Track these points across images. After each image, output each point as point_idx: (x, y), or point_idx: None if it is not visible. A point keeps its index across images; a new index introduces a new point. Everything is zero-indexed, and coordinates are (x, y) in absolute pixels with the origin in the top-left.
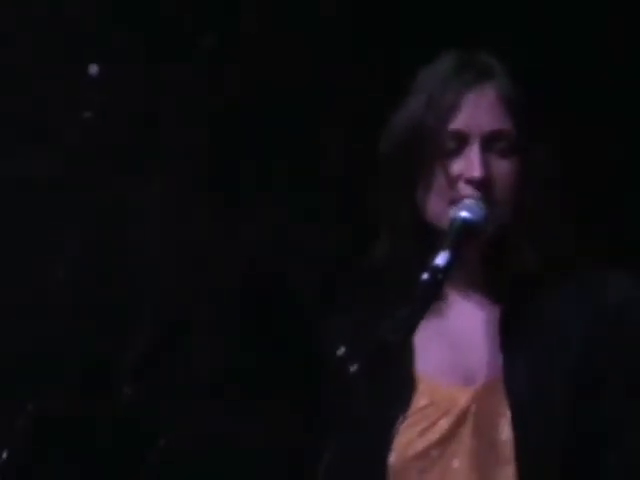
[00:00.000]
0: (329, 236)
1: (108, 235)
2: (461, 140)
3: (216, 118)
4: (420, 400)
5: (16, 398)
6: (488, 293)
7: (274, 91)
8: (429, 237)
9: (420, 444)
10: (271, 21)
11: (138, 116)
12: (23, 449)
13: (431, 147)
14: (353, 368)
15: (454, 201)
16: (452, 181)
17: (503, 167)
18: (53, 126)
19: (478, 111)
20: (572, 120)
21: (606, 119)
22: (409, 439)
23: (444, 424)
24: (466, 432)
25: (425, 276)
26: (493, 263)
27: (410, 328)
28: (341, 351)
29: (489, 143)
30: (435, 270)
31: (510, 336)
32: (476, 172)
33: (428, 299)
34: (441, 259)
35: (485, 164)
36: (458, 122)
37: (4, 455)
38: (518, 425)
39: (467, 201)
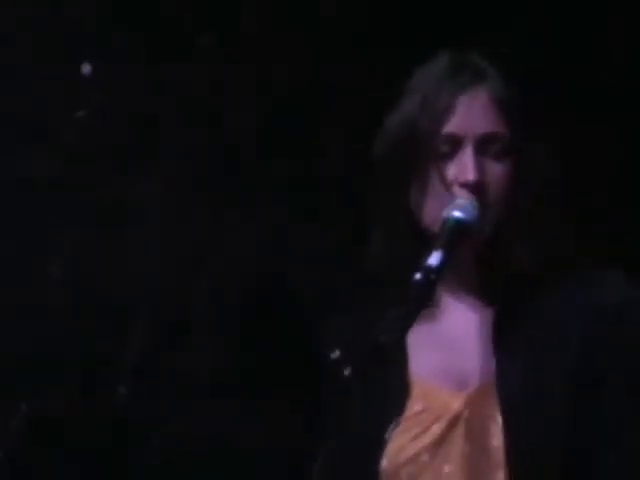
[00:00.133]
0: (329, 236)
1: (108, 235)
2: (455, 143)
3: (216, 118)
4: (414, 405)
5: (16, 398)
6: (482, 295)
7: (274, 91)
8: (425, 239)
9: (412, 449)
10: (271, 21)
11: (138, 116)
12: (22, 449)
13: (425, 150)
14: (347, 371)
15: (449, 204)
16: (447, 184)
17: (497, 170)
18: (53, 126)
19: (471, 114)
20: (572, 120)
21: (606, 119)
22: (401, 444)
23: (436, 429)
24: (458, 437)
25: (418, 276)
26: (487, 264)
27: (403, 329)
28: (336, 354)
29: (483, 146)
30: (428, 270)
31: (504, 339)
32: (470, 176)
33: (421, 299)
34: (434, 259)
35: (479, 167)
36: (452, 125)
37: (2, 455)
38: (510, 430)
39: (460, 201)
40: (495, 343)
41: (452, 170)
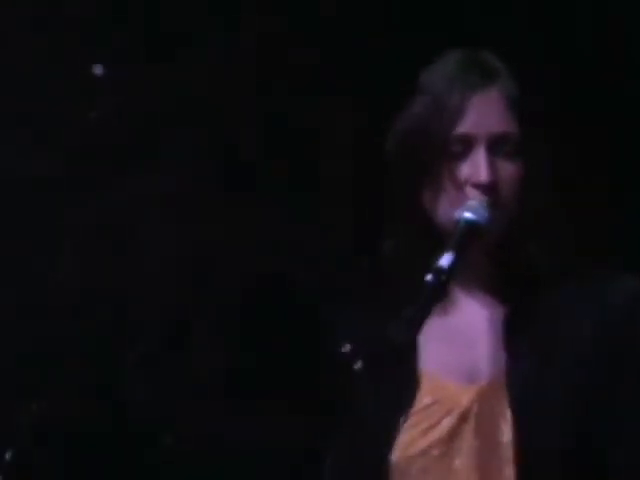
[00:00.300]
0: (329, 236)
1: (108, 235)
2: (467, 143)
3: (216, 118)
4: (424, 399)
5: (16, 398)
6: (494, 292)
7: (274, 91)
8: (438, 238)
9: (422, 443)
10: (271, 21)
11: (138, 116)
12: (23, 449)
13: (437, 151)
14: (357, 366)
15: (462, 205)
16: (459, 185)
17: (509, 169)
18: (53, 126)
19: (484, 114)
20: (572, 120)
21: (606, 119)
22: (412, 438)
23: (446, 423)
24: (468, 431)
25: (429, 277)
26: (499, 263)
27: (415, 329)
28: (346, 348)
29: (495, 145)
30: (439, 271)
31: (515, 336)
32: (483, 176)
33: (432, 300)
34: (445, 260)
35: (492, 168)
36: (464, 126)
37: (5, 455)
38: (519, 427)
39: (471, 202)
40: (506, 340)
41: (464, 170)
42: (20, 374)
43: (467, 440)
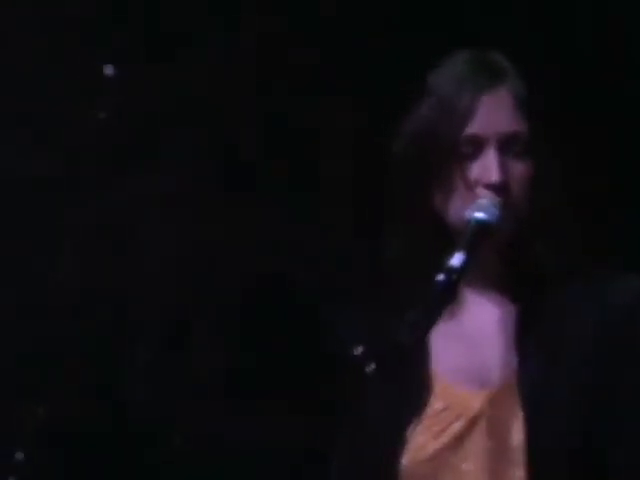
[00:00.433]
0: (329, 236)
1: (108, 235)
2: (477, 144)
3: (216, 118)
4: (435, 403)
5: (16, 398)
6: (504, 292)
7: (274, 91)
8: (448, 238)
9: (432, 447)
10: (271, 21)
11: (138, 116)
12: (23, 449)
13: (447, 152)
14: (369, 368)
15: (473, 204)
16: (470, 186)
17: (519, 169)
18: (53, 126)
19: (493, 114)
20: (572, 120)
21: (606, 119)
22: (422, 442)
23: (457, 427)
24: (478, 435)
25: (440, 277)
26: (509, 262)
27: (425, 329)
28: (358, 350)
29: (505, 145)
30: (450, 271)
31: (525, 337)
32: (494, 177)
33: (443, 300)
34: (456, 260)
35: (502, 168)
36: (474, 126)
37: (15, 455)
38: (530, 429)
39: (482, 201)
40: (517, 341)
41: (475, 171)
42: (20, 374)
43: (477, 443)
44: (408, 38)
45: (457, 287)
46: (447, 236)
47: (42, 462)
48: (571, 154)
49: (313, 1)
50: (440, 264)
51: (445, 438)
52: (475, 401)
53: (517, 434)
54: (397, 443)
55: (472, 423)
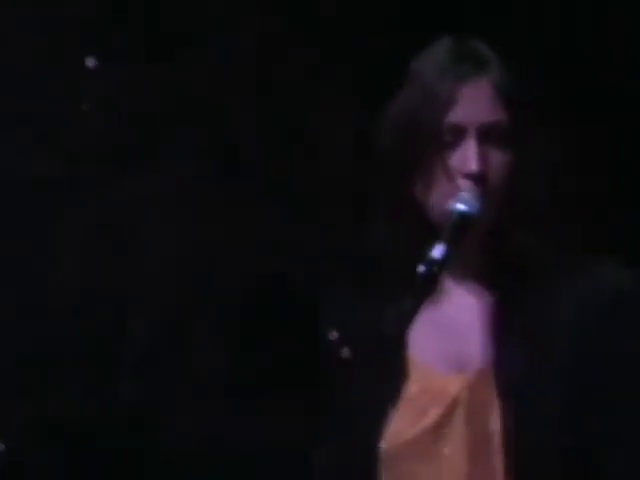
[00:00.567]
0: (329, 236)
1: (107, 235)
2: (458, 132)
3: (216, 118)
4: (412, 387)
5: (16, 398)
6: (484, 281)
7: (274, 91)
8: (429, 228)
9: (411, 431)
10: (271, 21)
11: (138, 116)
12: (23, 449)
13: (428, 140)
14: (345, 353)
15: (454, 195)
16: (450, 175)
17: (499, 158)
18: (53, 126)
19: (475, 104)
20: (572, 120)
21: (606, 119)
22: (400, 426)
23: (435, 412)
24: (457, 420)
25: (421, 268)
26: (489, 251)
27: (407, 322)
28: (333, 335)
29: (485, 135)
30: (431, 262)
31: (503, 324)
32: (473, 166)
33: (424, 291)
34: (437, 251)
35: (482, 158)
36: (455, 115)
37: (5, 455)
38: (507, 415)
39: (463, 194)
40: (494, 328)
41: (455, 160)
42: (20, 374)
43: (456, 429)
44: (408, 38)
45: (438, 278)
46: (428, 225)
47: (42, 462)
48: (571, 154)
49: (313, 1)
50: (422, 253)
51: (424, 423)
52: (452, 386)
53: (494, 421)
54: (376, 428)
55: (450, 408)
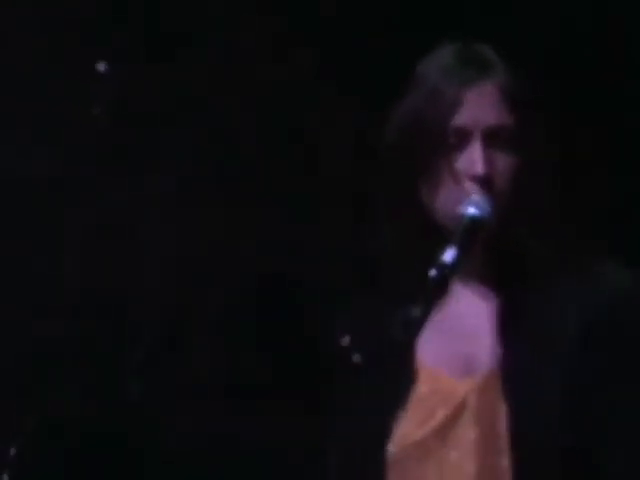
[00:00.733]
0: (329, 236)
1: (108, 235)
2: (463, 136)
3: (216, 118)
4: (420, 390)
5: (16, 398)
6: (490, 283)
7: (274, 91)
8: (436, 231)
9: (418, 433)
10: (271, 21)
11: (138, 116)
12: (24, 449)
13: (433, 143)
14: (356, 358)
15: (460, 198)
16: (457, 178)
17: (505, 161)
18: (53, 126)
19: (480, 107)
20: (572, 120)
21: (606, 119)
22: (408, 428)
23: (442, 414)
24: (464, 423)
25: (433, 272)
26: (495, 254)
27: (418, 327)
28: (345, 341)
29: (491, 138)
30: (442, 266)
31: (510, 327)
32: (479, 169)
33: (436, 295)
34: (448, 255)
35: (487, 160)
36: (460, 118)
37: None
38: (514, 417)
39: (474, 197)
40: (501, 330)
41: (461, 163)
42: (20, 374)
43: (463, 431)
44: (408, 38)
45: (449, 282)
46: (434, 228)
47: (42, 462)
48: (571, 154)
49: (313, 1)
50: (429, 256)
51: (431, 425)
52: (460, 388)
53: (502, 424)
54: (383, 430)
55: (458, 411)
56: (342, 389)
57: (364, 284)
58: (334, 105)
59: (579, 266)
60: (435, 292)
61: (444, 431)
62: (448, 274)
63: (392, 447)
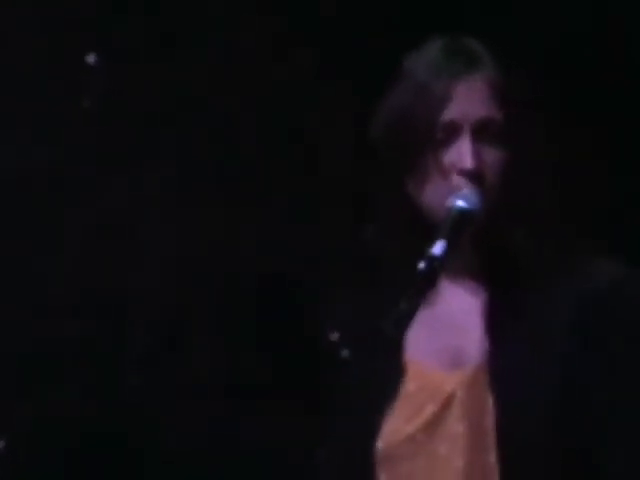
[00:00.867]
0: (329, 236)
1: (107, 235)
2: (452, 130)
3: (217, 118)
4: (408, 385)
5: (16, 398)
6: (478, 278)
7: (274, 91)
8: (425, 225)
9: (407, 429)
10: (271, 21)
11: (138, 116)
12: (24, 449)
13: (422, 138)
14: (345, 353)
15: (448, 192)
16: (445, 172)
17: (494, 155)
18: (53, 126)
19: (468, 101)
20: (572, 120)
21: (606, 119)
22: (396, 425)
23: (430, 409)
24: (453, 417)
25: (422, 265)
26: (483, 248)
27: (407, 322)
28: (334, 336)
29: (480, 132)
30: (431, 259)
31: (498, 321)
32: (468, 163)
33: (424, 289)
34: (437, 248)
35: (476, 154)
36: (449, 113)
37: (5, 454)
38: (500, 412)
39: (463, 190)
40: (489, 325)
41: (449, 157)
42: (20, 374)
43: (452, 426)
44: (408, 38)
45: (438, 275)
46: (424, 223)
47: (42, 462)
48: (571, 154)
49: (313, 1)
50: (418, 251)
51: (419, 421)
52: (448, 383)
53: (489, 418)
54: (372, 427)
55: (445, 406)
56: (331, 385)
57: (363, 283)
58: (334, 105)
59: (576, 265)
60: (424, 285)
61: (433, 426)
62: (437, 267)
63: (381, 443)
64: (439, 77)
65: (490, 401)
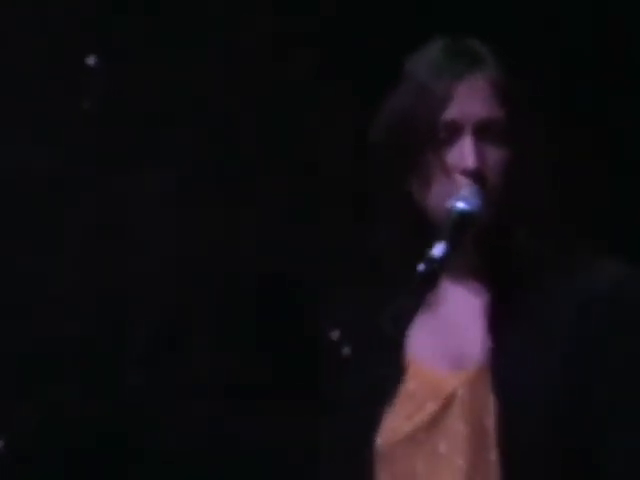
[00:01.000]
0: (329, 236)
1: (107, 235)
2: (454, 130)
3: (216, 118)
4: (408, 384)
5: (16, 398)
6: (481, 278)
7: (273, 91)
8: (427, 226)
9: (407, 428)
10: (271, 21)
11: (138, 116)
12: (24, 449)
13: (424, 138)
14: (346, 351)
15: (451, 192)
16: (447, 172)
17: (496, 155)
18: (53, 126)
19: (470, 101)
20: (572, 120)
21: (606, 119)
22: (396, 423)
23: (430, 408)
24: (452, 417)
25: (421, 267)
26: (486, 248)
27: (407, 321)
28: (335, 334)
29: (481, 132)
30: (431, 261)
31: (500, 322)
32: (470, 162)
33: (425, 290)
34: (438, 250)
35: (479, 154)
36: (451, 112)
37: (5, 453)
38: (502, 412)
39: (463, 191)
40: (491, 325)
41: (451, 157)
42: (20, 374)
43: (452, 425)
44: (408, 38)
45: (438, 277)
46: (427, 224)
47: (42, 462)
48: (571, 154)
49: (313, 1)
50: (421, 252)
51: (420, 418)
52: (449, 382)
53: (490, 418)
54: (372, 425)
55: (446, 405)
56: (332, 384)
57: (363, 283)
58: (334, 105)
59: (577, 265)
60: (423, 286)
61: (433, 424)
62: (437, 269)
63: (381, 441)
64: (440, 77)
65: (491, 401)
